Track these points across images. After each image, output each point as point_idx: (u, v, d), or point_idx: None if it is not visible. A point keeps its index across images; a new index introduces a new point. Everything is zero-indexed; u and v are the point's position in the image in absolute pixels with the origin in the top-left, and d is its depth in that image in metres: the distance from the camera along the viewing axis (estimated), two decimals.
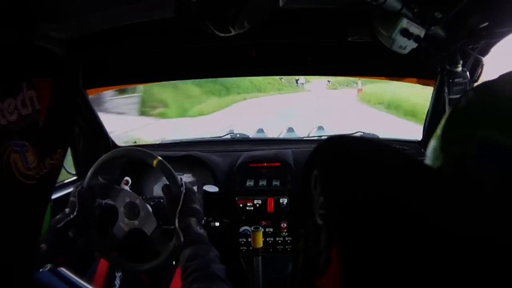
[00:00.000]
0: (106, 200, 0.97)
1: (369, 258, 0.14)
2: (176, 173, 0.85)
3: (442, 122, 0.28)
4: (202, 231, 0.73)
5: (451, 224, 0.14)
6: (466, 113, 0.26)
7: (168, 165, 0.86)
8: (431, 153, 0.28)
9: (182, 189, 0.80)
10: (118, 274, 1.02)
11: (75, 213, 0.83)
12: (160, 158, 0.86)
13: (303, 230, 0.21)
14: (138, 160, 0.90)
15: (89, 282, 0.93)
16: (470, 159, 0.22)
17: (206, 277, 0.59)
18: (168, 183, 0.83)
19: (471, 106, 0.26)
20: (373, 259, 0.14)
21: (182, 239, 0.70)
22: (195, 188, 1.26)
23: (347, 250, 0.15)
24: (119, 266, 0.97)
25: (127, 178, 0.98)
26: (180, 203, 0.76)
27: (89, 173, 0.91)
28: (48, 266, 0.70)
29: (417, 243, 0.14)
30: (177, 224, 0.73)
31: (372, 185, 0.17)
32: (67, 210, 0.84)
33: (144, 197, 1.17)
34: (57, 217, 0.83)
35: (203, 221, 0.78)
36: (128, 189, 0.94)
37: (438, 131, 0.28)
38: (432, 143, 0.28)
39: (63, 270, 0.71)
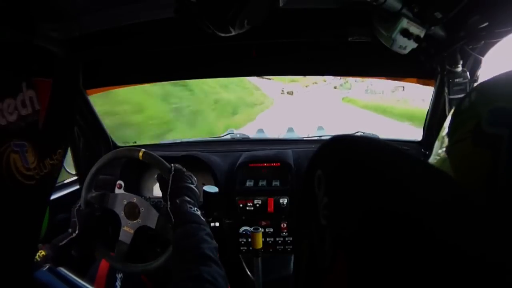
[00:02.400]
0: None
1: (377, 261, 0.14)
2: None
3: (450, 115, 0.31)
4: (194, 209, 0.71)
5: (460, 241, 0.14)
6: (472, 103, 0.30)
7: (154, 154, 0.86)
8: (445, 137, 0.31)
9: (171, 171, 0.80)
10: (119, 275, 1.02)
11: (77, 231, 0.83)
12: (144, 149, 0.87)
13: (306, 230, 0.21)
14: (125, 158, 0.91)
15: (90, 283, 0.93)
16: (486, 124, 0.26)
17: (195, 258, 0.58)
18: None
19: (477, 101, 0.30)
20: (381, 261, 0.14)
21: (173, 220, 0.69)
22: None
23: (353, 252, 0.15)
24: (126, 269, 0.97)
25: (119, 182, 0.98)
26: (169, 185, 0.76)
27: (83, 190, 0.91)
28: (47, 265, 0.70)
29: (424, 250, 0.14)
30: (168, 207, 0.73)
31: (377, 187, 0.17)
32: (69, 230, 0.85)
33: (144, 197, 1.17)
34: (60, 236, 0.84)
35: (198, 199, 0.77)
36: (123, 192, 0.94)
37: (447, 121, 0.31)
38: (442, 135, 0.32)
39: (62, 269, 0.71)
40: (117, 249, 0.90)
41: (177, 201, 0.72)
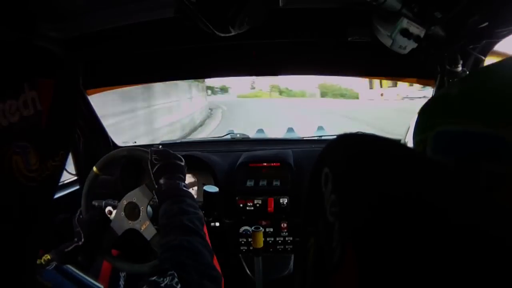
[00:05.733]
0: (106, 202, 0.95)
1: (388, 255, 0.14)
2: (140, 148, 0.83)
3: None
4: (172, 184, 0.70)
5: (477, 223, 0.14)
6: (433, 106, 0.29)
7: (126, 146, 0.85)
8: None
9: (149, 156, 0.78)
10: (122, 274, 1.02)
11: (82, 240, 0.82)
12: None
13: (313, 228, 0.21)
14: (112, 161, 0.89)
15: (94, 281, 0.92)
16: (429, 146, 0.24)
17: (174, 230, 0.58)
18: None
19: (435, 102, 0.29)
20: (392, 255, 0.14)
21: (156, 201, 0.70)
22: (195, 188, 1.26)
23: (364, 247, 0.15)
24: (119, 266, 0.96)
25: (108, 208, 0.95)
26: (151, 173, 0.75)
27: (82, 202, 0.90)
28: (54, 264, 0.69)
29: (438, 240, 0.14)
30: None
31: (385, 182, 0.17)
32: (75, 239, 0.84)
33: None
34: (66, 243, 0.83)
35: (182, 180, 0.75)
36: (114, 215, 0.89)
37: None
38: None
39: (69, 267, 0.70)
40: (107, 236, 0.87)
41: (161, 181, 0.72)
